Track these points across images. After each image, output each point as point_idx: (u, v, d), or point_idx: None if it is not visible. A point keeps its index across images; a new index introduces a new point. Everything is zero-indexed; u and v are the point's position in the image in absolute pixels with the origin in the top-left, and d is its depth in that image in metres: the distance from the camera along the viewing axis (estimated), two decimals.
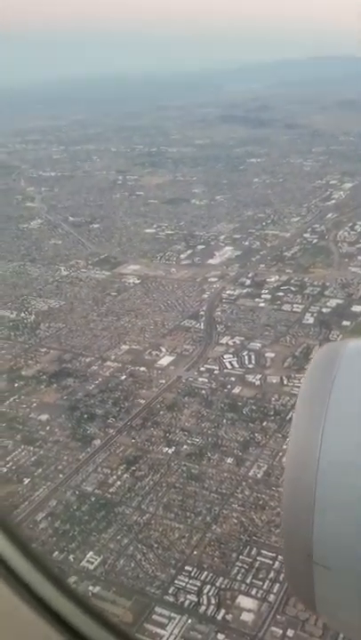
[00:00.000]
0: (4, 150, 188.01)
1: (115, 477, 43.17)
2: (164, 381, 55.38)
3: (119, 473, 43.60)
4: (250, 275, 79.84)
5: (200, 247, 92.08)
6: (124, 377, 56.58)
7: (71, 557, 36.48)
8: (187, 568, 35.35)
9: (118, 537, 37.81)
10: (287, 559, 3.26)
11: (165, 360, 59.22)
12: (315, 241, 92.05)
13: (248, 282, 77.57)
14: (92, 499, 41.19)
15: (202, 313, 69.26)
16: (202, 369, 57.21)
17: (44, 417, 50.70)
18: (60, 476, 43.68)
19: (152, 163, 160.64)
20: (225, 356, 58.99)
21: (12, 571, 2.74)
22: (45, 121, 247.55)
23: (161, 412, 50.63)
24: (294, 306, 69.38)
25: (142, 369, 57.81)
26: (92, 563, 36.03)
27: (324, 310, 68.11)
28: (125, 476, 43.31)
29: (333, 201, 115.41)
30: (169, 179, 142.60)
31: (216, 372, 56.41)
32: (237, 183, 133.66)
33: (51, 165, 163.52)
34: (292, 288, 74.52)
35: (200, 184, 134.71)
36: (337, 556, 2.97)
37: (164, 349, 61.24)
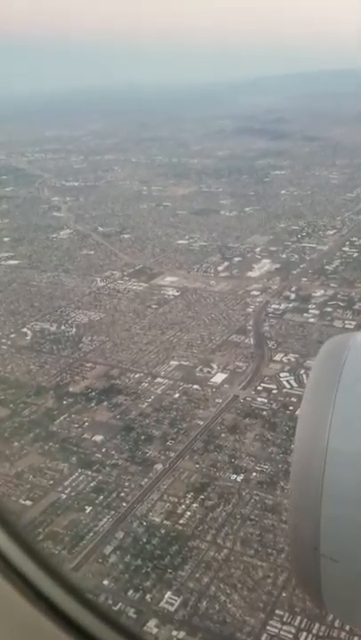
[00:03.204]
0: (25, 159, 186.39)
1: (183, 507, 40.07)
2: (220, 401, 52.39)
3: (187, 502, 40.51)
4: (293, 288, 77.05)
5: (237, 259, 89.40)
6: (177, 395, 53.60)
7: (148, 597, 33.36)
8: (278, 612, 32.20)
9: (197, 575, 34.70)
10: (293, 551, 3.22)
11: (218, 377, 56.29)
12: (355, 255, 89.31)
13: (293, 296, 74.76)
14: (162, 531, 38.07)
15: (249, 327, 66.42)
16: (259, 388, 54.25)
17: (98, 438, 47.67)
18: (124, 504, 40.60)
19: (175, 174, 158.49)
20: (281, 375, 56.01)
21: (13, 567, 2.69)
22: (62, 130, 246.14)
23: (222, 435, 47.58)
24: (346, 322, 66.42)
25: (195, 387, 54.85)
26: (172, 604, 32.89)
27: None
28: (195, 505, 40.23)
29: None
30: (194, 190, 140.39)
31: (275, 391, 53.39)
32: (265, 195, 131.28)
33: (73, 175, 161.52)
34: (341, 303, 71.67)
35: (227, 195, 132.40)
36: (344, 547, 2.93)
37: (215, 366, 58.34)
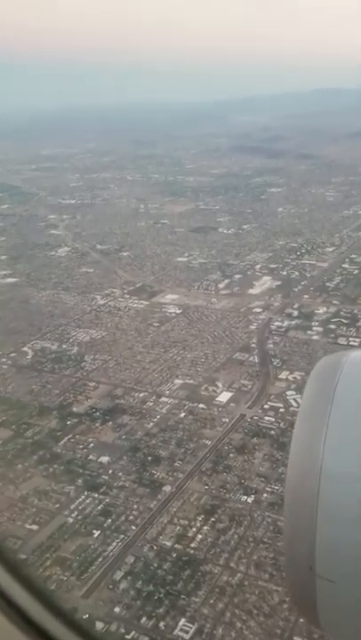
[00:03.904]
0: (20, 177, 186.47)
1: (194, 530, 39.11)
2: (227, 420, 51.60)
3: (198, 525, 39.56)
4: (296, 306, 76.65)
5: (237, 276, 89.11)
6: (183, 414, 52.77)
7: (161, 625, 32.31)
8: (295, 639, 31.20)
9: (211, 601, 33.69)
10: (289, 571, 3.17)
11: (224, 396, 55.53)
12: (356, 271, 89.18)
13: (295, 313, 74.33)
14: (174, 555, 37.07)
15: (253, 345, 65.80)
16: (265, 406, 53.49)
17: (104, 459, 46.71)
18: (133, 527, 39.59)
19: (171, 191, 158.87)
20: (288, 393, 55.31)
21: (10, 601, 2.65)
22: (57, 149, 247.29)
23: (231, 455, 46.73)
24: (350, 339, 65.94)
25: (201, 406, 54.05)
26: (187, 632, 31.89)
27: None
28: (206, 528, 39.28)
29: None
30: (191, 207, 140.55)
31: (282, 410, 52.65)
32: (262, 212, 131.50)
33: (69, 193, 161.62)
34: (344, 320, 71.23)
35: (224, 213, 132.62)
36: (340, 568, 2.90)
37: (220, 384, 57.61)
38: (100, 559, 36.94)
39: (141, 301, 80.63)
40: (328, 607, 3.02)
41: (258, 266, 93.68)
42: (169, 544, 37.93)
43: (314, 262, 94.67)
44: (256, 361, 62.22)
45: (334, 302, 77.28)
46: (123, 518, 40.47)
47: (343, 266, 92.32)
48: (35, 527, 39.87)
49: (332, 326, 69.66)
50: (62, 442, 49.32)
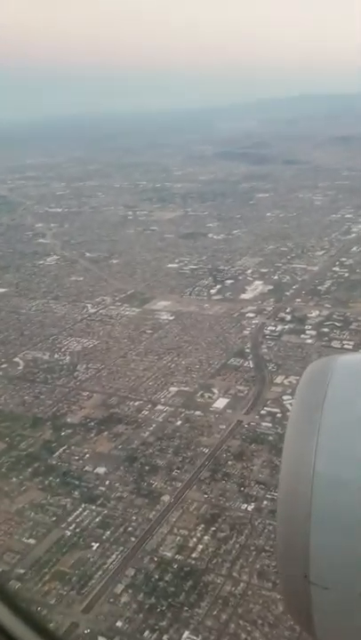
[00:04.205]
0: (6, 187, 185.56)
1: (195, 540, 38.40)
2: (224, 427, 50.99)
3: (199, 535, 38.86)
4: (288, 310, 76.38)
5: (229, 282, 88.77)
6: (179, 422, 52.11)
7: (165, 638, 31.53)
8: None
9: (215, 612, 32.98)
10: (283, 580, 3.14)
11: (220, 403, 54.97)
12: (346, 274, 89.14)
13: (288, 317, 74.03)
14: (175, 566, 36.35)
15: (247, 350, 65.32)
16: (262, 412, 52.97)
17: (100, 470, 45.90)
18: (132, 539, 38.82)
19: (159, 198, 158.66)
20: (284, 398, 54.78)
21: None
22: (43, 158, 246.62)
23: (229, 463, 46.11)
24: (344, 342, 65.66)
25: (198, 413, 53.44)
26: None
27: None
28: (206, 538, 38.58)
29: (354, 234, 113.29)
30: (180, 214, 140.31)
31: (279, 415, 52.08)
32: (251, 218, 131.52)
33: (56, 201, 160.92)
34: (337, 323, 70.97)
35: (213, 219, 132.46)
36: (334, 574, 2.86)
37: (216, 391, 57.05)
38: (100, 572, 36.14)
39: (133, 309, 79.96)
40: (323, 614, 2.98)
41: (249, 270, 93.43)
42: (170, 555, 37.22)
43: (305, 266, 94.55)
44: (251, 366, 61.74)
45: (327, 305, 77.07)
46: (121, 530, 39.69)
47: (334, 269, 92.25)
48: (32, 541, 38.99)
49: (326, 329, 69.40)
50: (57, 453, 48.45)
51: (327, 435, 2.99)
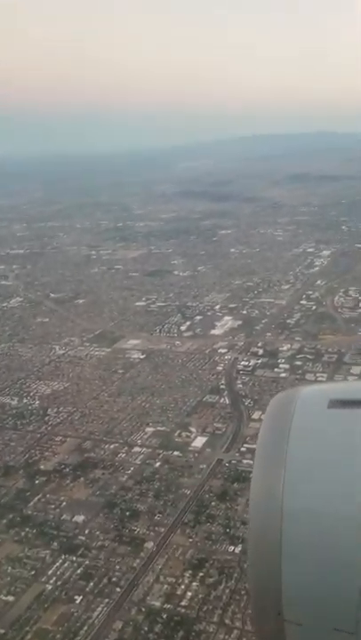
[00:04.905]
0: None
1: (183, 587, 36.79)
2: (204, 466, 49.78)
3: (186, 581, 37.27)
4: (260, 344, 76.17)
5: (198, 318, 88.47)
6: (158, 464, 50.69)
7: None
8: None
9: None
10: (257, 618, 3.09)
11: (199, 441, 53.82)
12: (314, 307, 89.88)
13: (260, 351, 73.76)
14: (164, 616, 34.64)
15: (222, 387, 64.55)
16: (242, 449, 52.02)
17: (79, 518, 43.97)
18: (117, 589, 36.98)
19: (122, 237, 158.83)
20: None
21: None
22: (1, 199, 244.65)
23: (213, 504, 44.81)
24: (318, 374, 65.61)
25: (176, 453, 52.12)
26: None
27: (349, 378, 64.41)
28: (195, 584, 37.02)
29: (317, 268, 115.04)
30: (144, 252, 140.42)
31: None
32: (215, 254, 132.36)
33: (17, 243, 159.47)
34: (309, 356, 71.02)
35: (178, 256, 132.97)
36: (307, 609, 2.83)
37: (193, 429, 55.93)
38: (86, 627, 34.16)
39: (103, 348, 78.56)
40: None
41: (217, 306, 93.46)
42: (158, 604, 35.53)
43: (272, 300, 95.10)
44: (227, 402, 60.92)
45: (297, 339, 77.24)
46: (105, 581, 37.85)
47: (301, 302, 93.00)
48: (10, 598, 36.79)
49: (299, 362, 69.34)
50: (32, 502, 46.34)
51: (294, 468, 2.91)
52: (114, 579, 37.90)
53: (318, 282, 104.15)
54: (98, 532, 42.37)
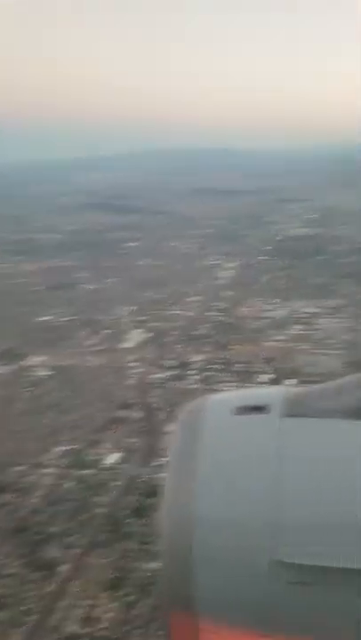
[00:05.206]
0: None
1: (101, 609, 35.55)
2: (119, 483, 48.75)
3: (104, 602, 36.06)
4: (170, 356, 76.19)
5: (106, 332, 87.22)
6: (70, 484, 49.07)
7: None
8: None
9: None
10: (170, 625, 3.00)
11: (112, 458, 52.82)
12: (221, 318, 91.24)
13: (171, 363, 73.77)
14: None
15: (134, 401, 63.81)
16: (157, 463, 51.31)
17: None
18: (32, 618, 35.09)
19: (22, 250, 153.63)
20: None
21: None
22: None
23: (128, 521, 43.85)
24: (229, 384, 66.32)
25: (89, 471, 50.74)
26: None
27: (256, 386, 65.70)
28: (114, 604, 35.86)
29: (223, 280, 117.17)
30: (47, 265, 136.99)
31: None
32: (122, 267, 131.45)
33: None
34: (218, 367, 71.88)
35: (82, 269, 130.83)
36: (222, 611, 2.79)
37: (106, 446, 54.75)
38: None
39: (6, 367, 75.48)
40: None
41: (126, 319, 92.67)
42: (76, 629, 34.07)
43: (180, 312, 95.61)
44: (140, 416, 60.20)
45: (206, 349, 77.96)
46: (17, 610, 35.82)
47: (209, 313, 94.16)
48: None
49: (210, 373, 69.94)
50: None
51: (203, 474, 2.84)
52: (24, 607, 35.98)
53: (225, 293, 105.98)
54: (7, 560, 40.26)
